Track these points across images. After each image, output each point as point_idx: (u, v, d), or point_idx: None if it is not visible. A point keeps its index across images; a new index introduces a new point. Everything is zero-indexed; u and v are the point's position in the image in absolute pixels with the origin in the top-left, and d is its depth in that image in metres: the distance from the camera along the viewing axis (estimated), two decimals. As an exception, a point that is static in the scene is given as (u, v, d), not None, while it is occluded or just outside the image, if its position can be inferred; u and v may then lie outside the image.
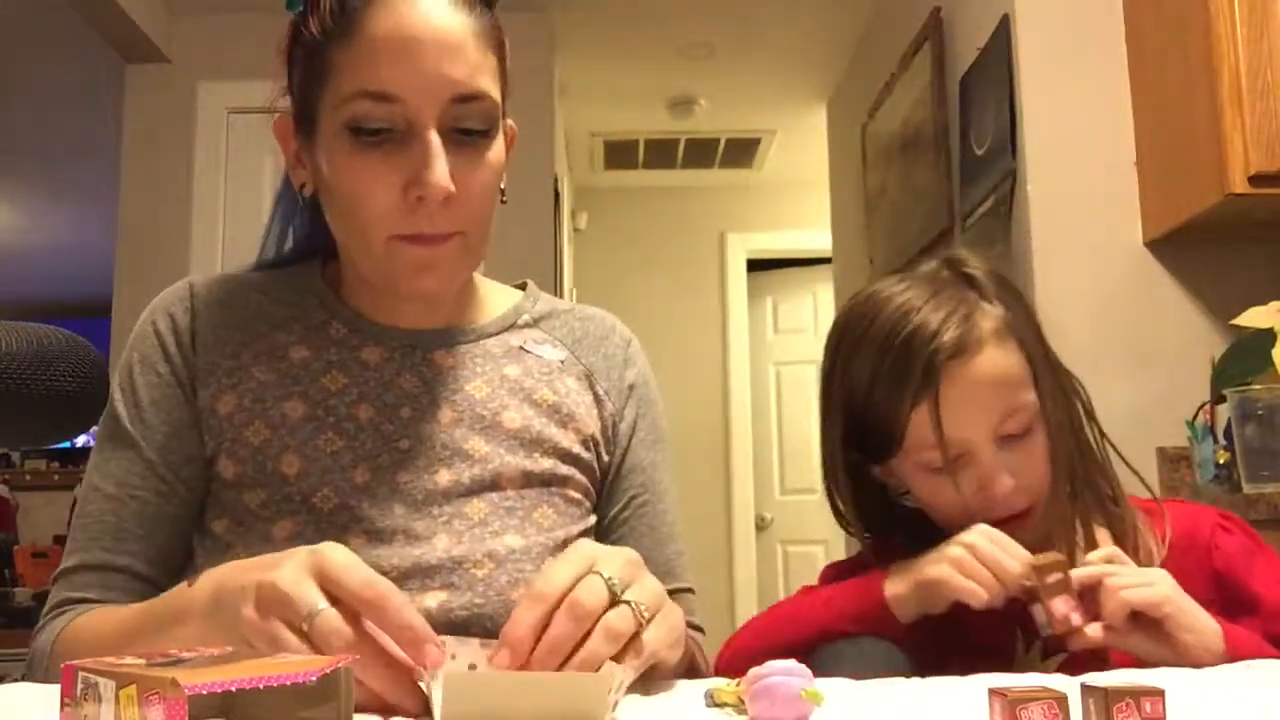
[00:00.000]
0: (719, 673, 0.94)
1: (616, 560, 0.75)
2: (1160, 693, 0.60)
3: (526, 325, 1.05)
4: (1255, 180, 2.08)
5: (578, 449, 0.99)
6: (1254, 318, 1.97)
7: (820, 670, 0.71)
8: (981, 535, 0.92)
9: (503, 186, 0.95)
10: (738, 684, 0.69)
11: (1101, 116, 2.44)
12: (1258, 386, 1.97)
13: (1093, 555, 0.91)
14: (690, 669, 0.93)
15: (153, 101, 3.59)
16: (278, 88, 0.96)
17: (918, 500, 1.03)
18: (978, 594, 0.89)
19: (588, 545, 0.78)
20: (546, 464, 0.96)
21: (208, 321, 0.98)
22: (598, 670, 0.69)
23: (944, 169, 2.93)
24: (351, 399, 0.95)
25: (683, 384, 4.85)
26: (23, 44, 3.78)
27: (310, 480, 0.91)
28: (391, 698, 0.67)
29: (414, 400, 0.96)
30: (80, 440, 3.42)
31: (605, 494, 1.03)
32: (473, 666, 0.74)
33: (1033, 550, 0.91)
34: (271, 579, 0.69)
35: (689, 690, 0.76)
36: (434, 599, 0.87)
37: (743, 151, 5.05)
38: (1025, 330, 1.00)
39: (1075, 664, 0.92)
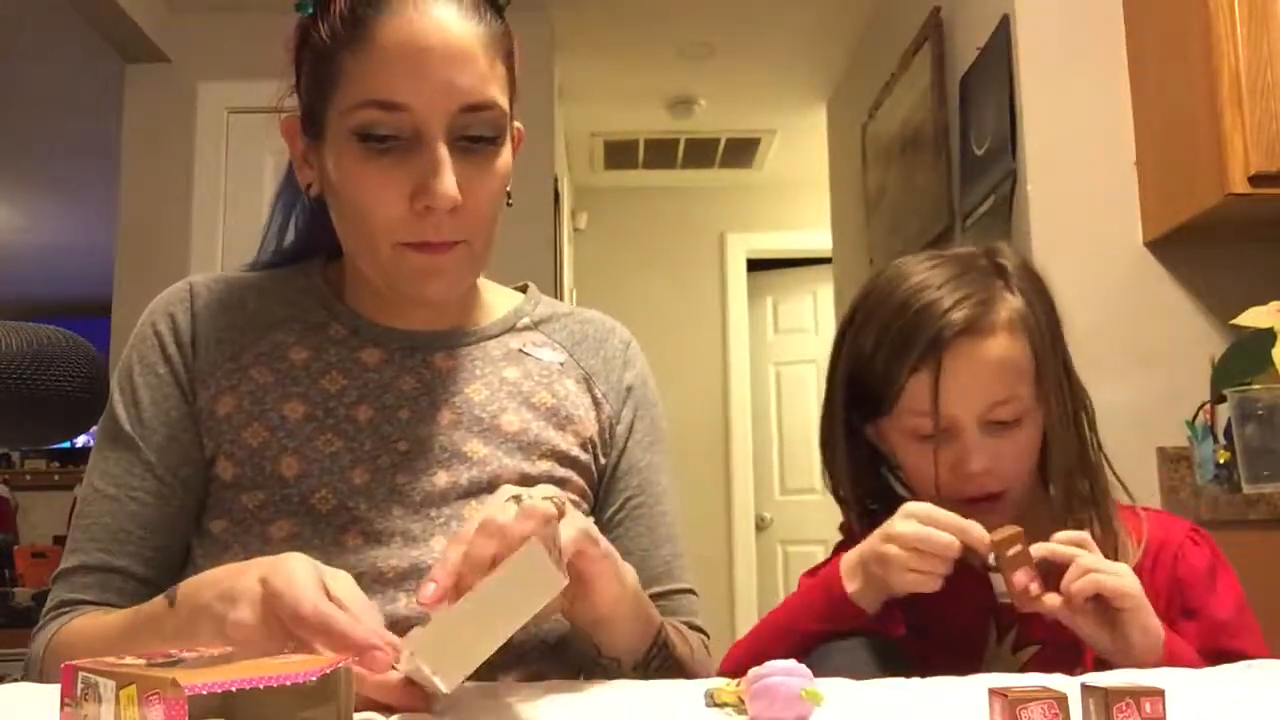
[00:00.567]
0: None
1: (536, 492, 0.76)
2: (1160, 693, 0.60)
3: (526, 328, 1.05)
4: (1255, 180, 2.08)
5: (576, 451, 0.99)
6: (1254, 318, 1.97)
7: (817, 670, 0.71)
8: (907, 520, 0.91)
9: (508, 189, 0.95)
10: (738, 684, 0.69)
11: (1101, 116, 2.44)
12: (1258, 386, 1.97)
13: (1061, 535, 0.91)
14: (691, 670, 0.92)
15: (153, 101, 3.59)
16: (285, 87, 0.96)
17: (901, 466, 1.05)
18: (921, 584, 0.90)
19: (506, 487, 0.78)
20: (544, 466, 0.96)
21: (208, 323, 0.98)
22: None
23: (944, 169, 2.93)
24: (351, 400, 0.95)
25: (683, 384, 4.84)
26: (23, 44, 3.78)
27: (309, 481, 0.91)
28: (392, 698, 0.68)
29: (413, 402, 0.96)
30: (80, 440, 3.42)
31: (602, 495, 1.03)
32: None
33: (991, 528, 0.90)
34: (233, 620, 0.70)
35: (689, 690, 0.76)
36: (432, 600, 0.87)
37: (743, 151, 5.05)
38: (1040, 327, 1.01)
39: (1046, 659, 0.93)
